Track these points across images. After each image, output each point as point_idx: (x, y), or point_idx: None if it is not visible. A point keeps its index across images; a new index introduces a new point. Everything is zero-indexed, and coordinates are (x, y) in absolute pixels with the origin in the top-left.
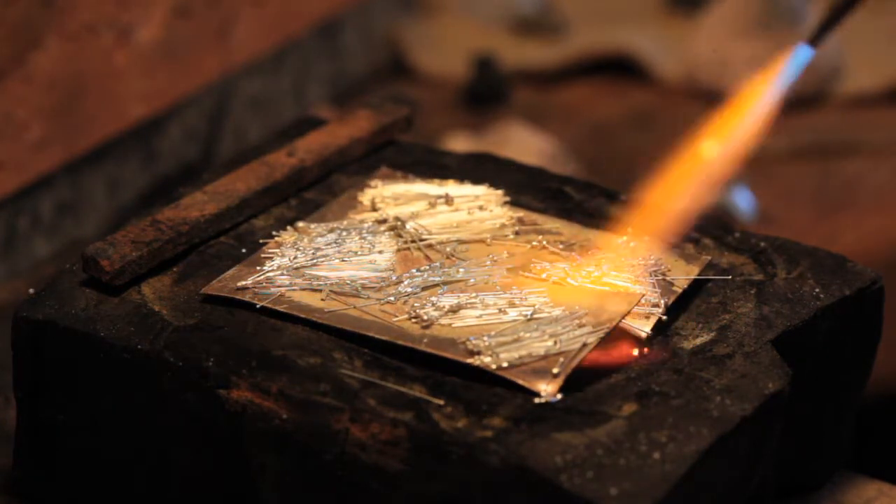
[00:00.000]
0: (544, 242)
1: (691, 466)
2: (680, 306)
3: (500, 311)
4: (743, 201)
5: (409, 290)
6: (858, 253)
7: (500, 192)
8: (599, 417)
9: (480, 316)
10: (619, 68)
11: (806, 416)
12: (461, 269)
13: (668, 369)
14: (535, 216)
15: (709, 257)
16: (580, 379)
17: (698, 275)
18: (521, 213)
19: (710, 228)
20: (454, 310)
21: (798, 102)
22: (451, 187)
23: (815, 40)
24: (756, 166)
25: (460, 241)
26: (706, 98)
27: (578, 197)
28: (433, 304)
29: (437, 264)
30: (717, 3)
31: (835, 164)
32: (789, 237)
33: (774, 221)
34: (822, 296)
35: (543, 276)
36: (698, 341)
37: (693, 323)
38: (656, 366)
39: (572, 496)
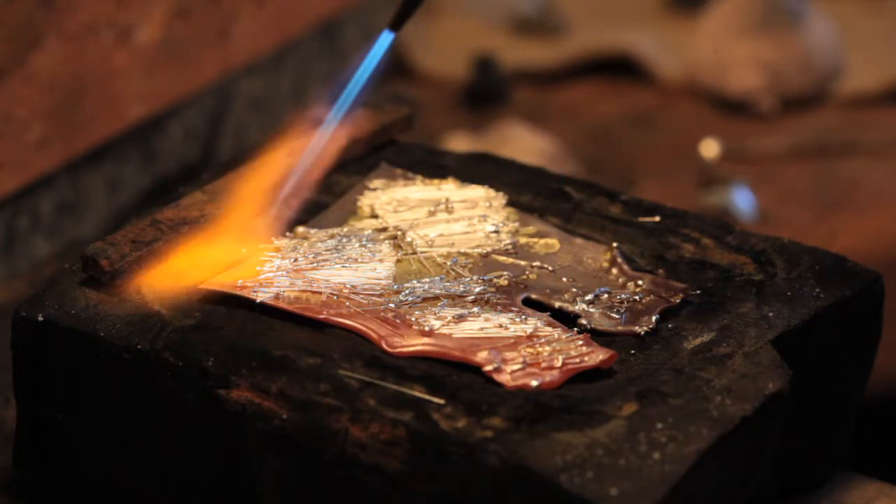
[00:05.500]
0: (549, 268)
1: (691, 466)
2: (680, 306)
3: (500, 326)
4: (743, 201)
5: (409, 299)
6: (858, 253)
7: (501, 195)
8: (599, 417)
9: (482, 328)
10: (619, 68)
11: (806, 416)
12: (461, 285)
13: (668, 369)
14: (535, 228)
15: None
16: (580, 379)
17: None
18: (521, 226)
19: (710, 228)
20: (455, 322)
21: (798, 102)
22: (451, 189)
23: (396, 25)
24: (756, 166)
25: (460, 254)
26: (706, 98)
27: (578, 197)
28: (434, 314)
29: (438, 278)
30: (717, 3)
31: (835, 164)
32: (789, 237)
33: (774, 221)
34: (822, 296)
35: (543, 300)
36: (698, 341)
37: (693, 323)
38: (656, 366)
39: (572, 496)
